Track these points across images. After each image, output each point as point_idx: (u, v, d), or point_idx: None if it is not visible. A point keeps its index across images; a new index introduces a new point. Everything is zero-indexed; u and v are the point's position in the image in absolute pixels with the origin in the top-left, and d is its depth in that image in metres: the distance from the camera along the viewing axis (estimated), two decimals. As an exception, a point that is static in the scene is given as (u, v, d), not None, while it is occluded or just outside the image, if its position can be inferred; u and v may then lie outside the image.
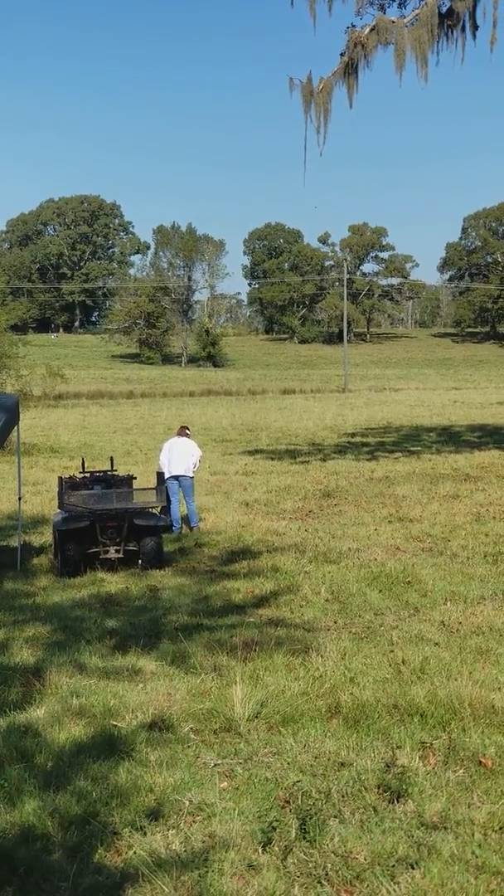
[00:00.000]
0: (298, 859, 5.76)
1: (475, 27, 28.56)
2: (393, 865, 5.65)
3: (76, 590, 13.39)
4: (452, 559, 14.54)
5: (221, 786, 6.82)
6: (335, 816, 6.26)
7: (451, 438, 35.91)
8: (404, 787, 6.57)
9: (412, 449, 31.91)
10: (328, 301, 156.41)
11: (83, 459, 19.12)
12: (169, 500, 17.33)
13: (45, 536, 17.22)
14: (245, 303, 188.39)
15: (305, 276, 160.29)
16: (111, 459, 18.19)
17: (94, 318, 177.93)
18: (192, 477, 18.17)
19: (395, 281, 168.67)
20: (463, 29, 28.63)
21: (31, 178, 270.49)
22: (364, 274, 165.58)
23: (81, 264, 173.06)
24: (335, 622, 11.13)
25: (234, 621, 11.17)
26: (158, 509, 15.48)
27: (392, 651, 9.74)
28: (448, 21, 28.39)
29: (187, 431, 18.81)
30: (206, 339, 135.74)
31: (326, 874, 5.60)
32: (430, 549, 15.42)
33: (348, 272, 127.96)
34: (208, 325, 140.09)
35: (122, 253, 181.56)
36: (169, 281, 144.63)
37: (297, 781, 6.66)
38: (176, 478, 17.82)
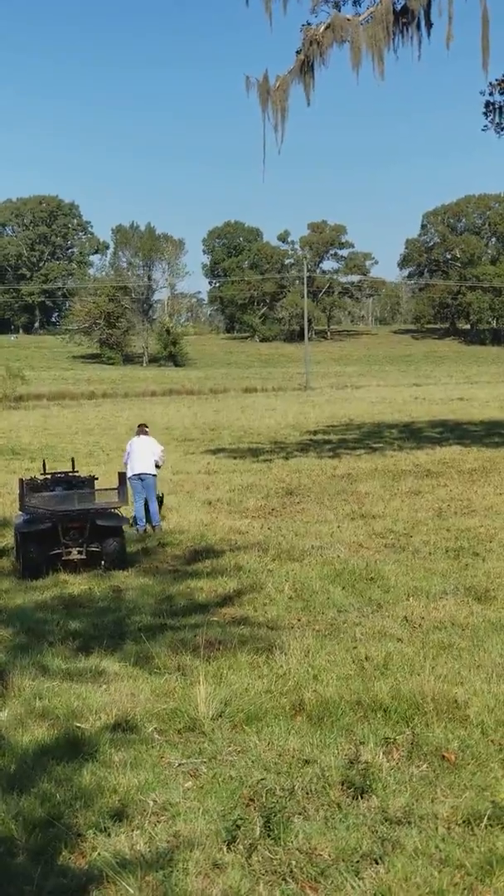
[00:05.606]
0: (263, 857, 5.77)
1: (430, 24, 28.72)
2: (357, 861, 5.67)
3: (39, 592, 13.32)
4: (414, 555, 14.62)
5: (186, 785, 6.82)
6: (299, 814, 6.28)
7: (413, 435, 36.09)
8: (368, 782, 6.60)
9: (374, 446, 32.04)
10: (289, 299, 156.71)
11: (44, 461, 18.99)
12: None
13: (6, 539, 17.10)
14: (205, 301, 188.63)
15: (265, 274, 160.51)
16: (72, 460, 18.11)
17: (54, 319, 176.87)
18: (156, 475, 18.11)
19: (354, 278, 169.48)
20: (418, 26, 28.75)
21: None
22: (324, 272, 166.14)
23: (40, 265, 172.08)
24: (298, 620, 11.15)
25: (197, 621, 11.17)
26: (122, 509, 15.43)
27: (355, 647, 9.77)
28: (403, 18, 28.50)
29: (146, 429, 18.73)
30: (167, 338, 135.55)
31: (291, 871, 5.61)
32: (393, 545, 15.48)
33: (308, 270, 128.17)
34: (169, 325, 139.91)
35: (81, 253, 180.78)
36: (129, 280, 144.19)
37: (262, 779, 6.67)
38: (139, 477, 17.75)
